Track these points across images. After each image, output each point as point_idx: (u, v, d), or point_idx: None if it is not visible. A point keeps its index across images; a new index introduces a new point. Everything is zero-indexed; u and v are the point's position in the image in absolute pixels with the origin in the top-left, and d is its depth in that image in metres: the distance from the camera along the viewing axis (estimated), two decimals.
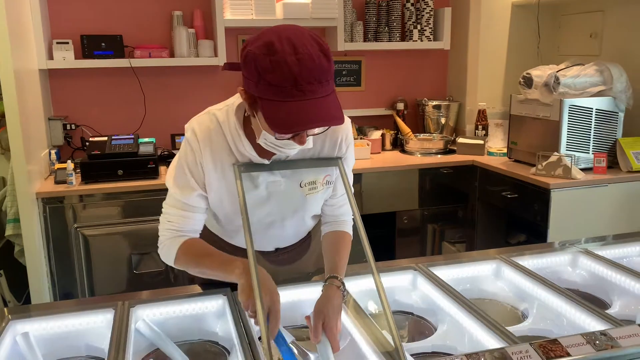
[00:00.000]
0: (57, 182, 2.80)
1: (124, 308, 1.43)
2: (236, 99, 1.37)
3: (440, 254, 3.57)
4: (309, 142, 1.32)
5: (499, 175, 3.10)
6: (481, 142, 3.41)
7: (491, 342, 1.29)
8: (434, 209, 3.46)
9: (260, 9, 3.24)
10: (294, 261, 1.63)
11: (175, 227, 1.42)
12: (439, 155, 3.43)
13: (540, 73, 2.95)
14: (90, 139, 2.95)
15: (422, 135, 3.60)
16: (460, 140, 3.46)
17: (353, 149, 1.48)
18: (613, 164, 2.91)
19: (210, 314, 1.50)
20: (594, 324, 1.36)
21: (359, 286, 1.56)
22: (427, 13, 3.56)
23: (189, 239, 1.42)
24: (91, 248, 2.81)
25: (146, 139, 3.01)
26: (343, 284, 1.40)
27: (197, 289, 1.57)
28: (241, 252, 1.44)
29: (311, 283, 1.57)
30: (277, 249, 1.58)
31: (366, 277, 1.59)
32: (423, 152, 3.44)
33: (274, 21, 3.28)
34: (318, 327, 1.27)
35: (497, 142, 3.56)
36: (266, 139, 1.25)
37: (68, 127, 3.16)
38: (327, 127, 1.23)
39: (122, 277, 2.87)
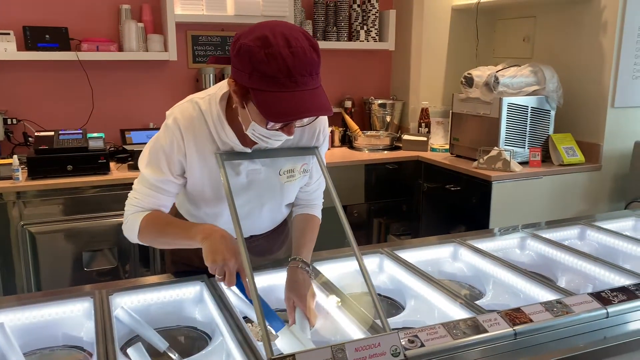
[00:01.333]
0: (0, 179, 2.68)
1: (102, 296, 1.43)
2: (218, 90, 1.41)
3: None
4: None
5: (442, 170, 3.28)
6: (424, 138, 3.58)
7: (460, 313, 1.40)
8: (380, 203, 3.59)
9: (211, 5, 3.25)
10: (268, 247, 1.68)
11: (141, 205, 1.45)
12: (386, 152, 3.57)
13: (480, 73, 3.14)
14: (36, 133, 2.84)
15: (369, 132, 3.73)
16: (405, 137, 3.61)
17: (328, 138, 1.56)
18: (546, 157, 3.15)
19: (188, 300, 1.52)
20: (547, 296, 1.51)
21: (335, 270, 1.64)
22: (372, 14, 3.70)
23: (152, 211, 1.44)
24: (38, 246, 2.72)
25: (95, 134, 2.94)
26: (306, 263, 1.49)
27: (172, 277, 1.59)
28: None
29: (284, 268, 1.63)
30: (251, 236, 1.63)
31: (340, 261, 1.67)
32: (371, 148, 3.57)
33: (224, 17, 3.30)
34: (291, 312, 1.38)
35: (438, 139, 3.75)
36: (255, 129, 1.30)
37: (9, 121, 3.03)
38: (315, 118, 1.29)
39: (72, 276, 2.79)
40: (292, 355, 1.06)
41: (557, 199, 3.06)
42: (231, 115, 1.38)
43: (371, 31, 3.71)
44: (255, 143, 1.40)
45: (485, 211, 2.96)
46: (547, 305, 1.34)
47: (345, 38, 3.70)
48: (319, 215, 1.65)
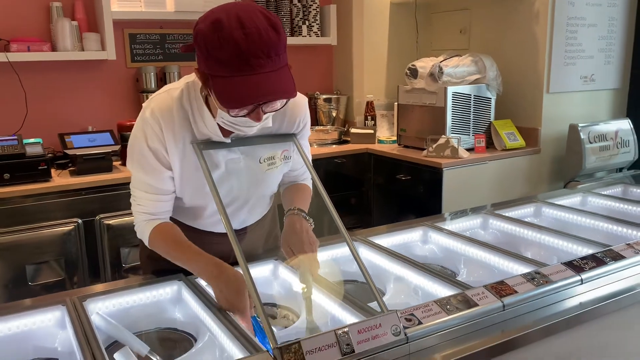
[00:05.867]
0: None
1: (74, 303, 1.34)
2: (196, 77, 1.36)
3: None
4: (268, 121, 1.35)
5: (392, 160, 3.33)
6: (372, 131, 3.63)
7: (444, 291, 1.42)
8: (330, 197, 3.59)
9: (150, 1, 3.14)
10: (249, 242, 1.63)
11: (147, 211, 1.41)
12: (334, 145, 3.58)
13: (424, 64, 3.22)
14: None
15: (317, 127, 3.73)
16: (353, 130, 3.65)
17: (309, 126, 1.54)
18: (489, 143, 3.27)
19: (166, 301, 1.46)
20: (521, 269, 1.56)
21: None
22: (313, 9, 3.70)
23: (161, 224, 1.41)
24: None
25: (32, 140, 2.76)
26: (303, 211, 1.47)
27: (147, 278, 1.52)
28: (205, 235, 1.42)
29: (266, 261, 1.60)
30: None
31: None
32: (320, 143, 3.57)
33: (164, 14, 3.20)
34: (290, 255, 1.37)
35: (384, 131, 3.81)
36: (223, 117, 1.26)
37: None
38: (285, 102, 1.26)
39: (15, 292, 2.60)
40: (297, 342, 1.04)
41: (502, 181, 3.19)
42: (213, 104, 1.33)
43: (313, 26, 3.72)
44: (232, 133, 1.36)
45: (436, 198, 3.03)
46: (528, 277, 1.39)
47: (288, 33, 3.68)
48: (309, 185, 1.65)
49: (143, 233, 1.43)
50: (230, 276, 1.26)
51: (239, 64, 1.13)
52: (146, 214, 1.41)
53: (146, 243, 1.44)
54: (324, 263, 1.67)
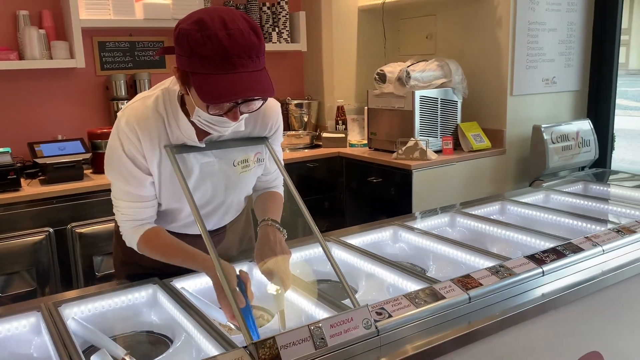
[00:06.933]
0: None
1: (49, 308, 1.35)
2: (171, 84, 1.38)
3: None
4: (241, 124, 1.38)
5: (363, 163, 3.39)
6: (343, 135, 3.68)
7: (414, 287, 1.47)
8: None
9: (118, 9, 3.14)
10: (225, 242, 1.66)
11: (131, 219, 1.43)
12: (306, 150, 3.63)
13: (392, 69, 3.29)
14: None
15: (289, 132, 3.77)
16: (325, 135, 3.70)
17: (281, 130, 1.58)
18: (456, 145, 3.36)
19: (141, 304, 1.48)
20: (487, 264, 1.63)
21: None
22: (283, 16, 3.75)
23: (147, 231, 1.43)
24: None
25: (0, 149, 2.73)
26: (276, 221, 1.49)
27: (121, 283, 1.53)
28: (179, 237, 1.44)
29: (235, 263, 1.62)
30: (209, 231, 1.60)
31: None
32: (292, 147, 3.61)
33: (133, 21, 3.21)
34: (265, 272, 1.37)
35: (355, 135, 3.87)
36: (200, 116, 1.29)
37: None
38: (262, 104, 1.30)
39: None
40: (272, 338, 1.08)
41: (470, 182, 3.28)
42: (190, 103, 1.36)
43: (282, 33, 3.76)
44: (207, 134, 1.39)
45: (407, 198, 3.10)
46: (492, 270, 1.45)
47: None
48: (281, 192, 1.67)
49: (131, 241, 1.45)
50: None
51: (221, 62, 1.16)
52: (129, 221, 1.43)
53: (136, 249, 1.46)
54: (299, 264, 1.72)
